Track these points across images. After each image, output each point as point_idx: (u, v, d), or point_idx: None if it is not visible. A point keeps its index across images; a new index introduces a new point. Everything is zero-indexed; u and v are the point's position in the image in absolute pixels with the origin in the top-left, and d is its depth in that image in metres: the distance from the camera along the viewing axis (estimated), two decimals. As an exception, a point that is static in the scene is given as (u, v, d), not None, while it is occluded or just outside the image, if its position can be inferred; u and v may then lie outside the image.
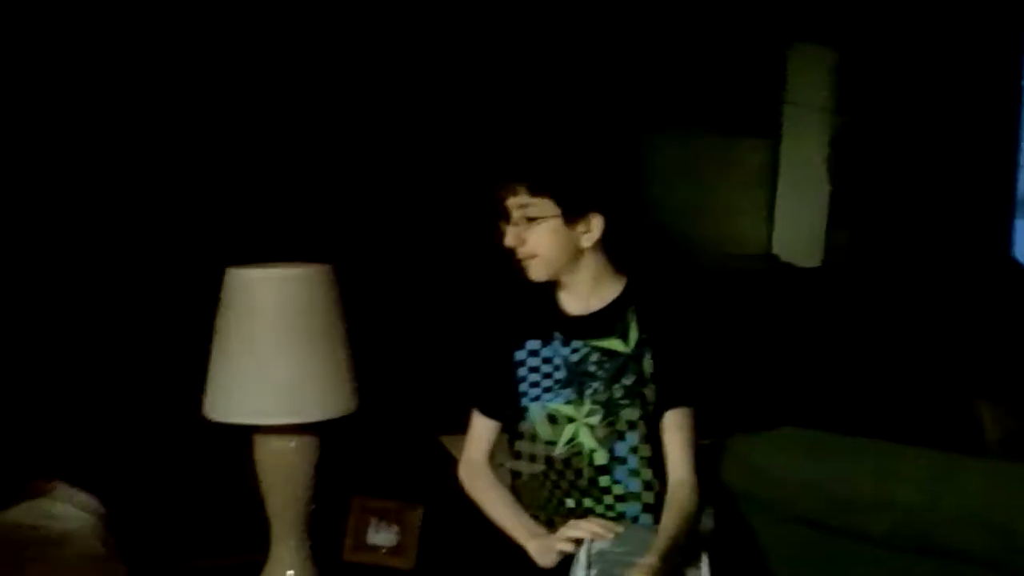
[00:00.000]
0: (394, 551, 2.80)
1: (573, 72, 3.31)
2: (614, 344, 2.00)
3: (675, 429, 1.96)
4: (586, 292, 2.02)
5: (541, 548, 1.90)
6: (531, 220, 1.94)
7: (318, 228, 2.99)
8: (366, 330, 2.79)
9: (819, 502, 1.89)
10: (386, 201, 3.11)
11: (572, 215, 1.94)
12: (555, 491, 2.00)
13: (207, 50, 2.91)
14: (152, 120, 2.88)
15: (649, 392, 1.98)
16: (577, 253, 1.98)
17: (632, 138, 3.43)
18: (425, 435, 3.01)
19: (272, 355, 2.53)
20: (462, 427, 3.03)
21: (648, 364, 1.98)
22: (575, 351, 2.00)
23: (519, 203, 1.94)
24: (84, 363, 2.83)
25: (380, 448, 3.04)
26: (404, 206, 3.14)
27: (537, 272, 1.99)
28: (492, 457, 2.17)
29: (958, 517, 1.72)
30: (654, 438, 1.99)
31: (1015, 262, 3.90)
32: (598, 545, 1.79)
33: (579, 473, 1.98)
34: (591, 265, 2.00)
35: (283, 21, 2.99)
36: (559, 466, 2.00)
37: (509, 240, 1.97)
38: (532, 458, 2.04)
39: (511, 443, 2.12)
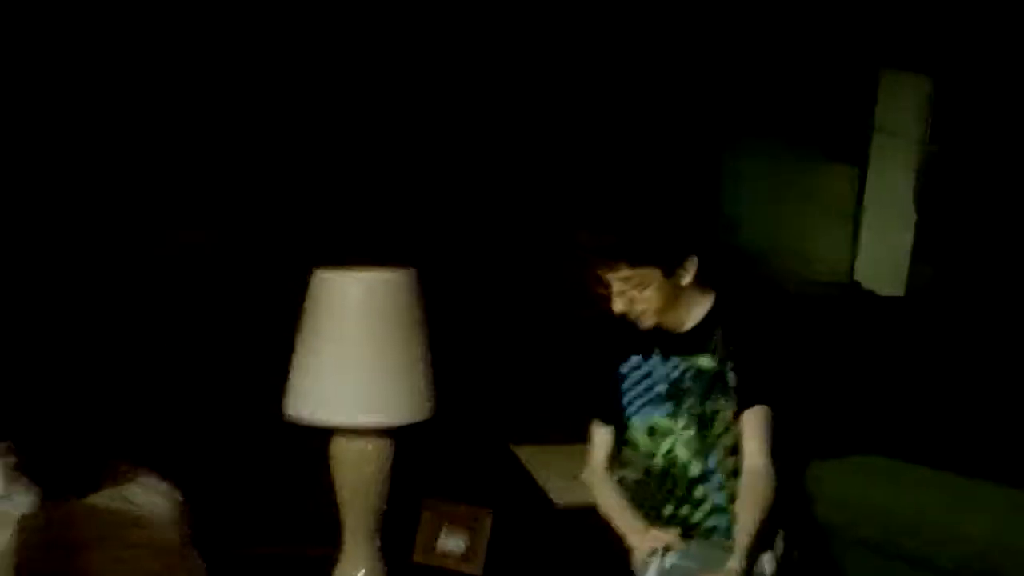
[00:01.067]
0: (463, 557, 2.84)
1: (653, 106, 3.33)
2: (705, 361, 2.09)
3: (751, 425, 2.03)
4: (683, 314, 2.10)
5: (637, 540, 2.02)
6: (631, 285, 2.04)
7: (403, 232, 3.05)
8: (445, 336, 2.85)
9: (890, 529, 1.88)
10: (472, 209, 3.16)
11: (672, 269, 2.04)
12: (654, 499, 2.10)
13: (301, 54, 2.99)
14: (242, 121, 2.97)
15: (733, 404, 2.06)
16: (678, 292, 2.07)
17: (712, 158, 3.43)
18: (497, 443, 3.05)
19: (353, 358, 2.59)
20: (534, 437, 3.08)
21: (731, 378, 2.06)
22: (675, 367, 2.10)
23: (621, 276, 2.03)
24: (175, 357, 2.92)
25: (453, 454, 3.08)
26: (489, 216, 3.18)
27: (649, 322, 2.09)
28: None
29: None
30: (735, 449, 2.07)
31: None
32: (670, 560, 1.84)
33: (676, 483, 2.09)
34: (687, 293, 2.10)
35: (390, 30, 3.06)
36: (657, 476, 2.11)
37: (619, 307, 2.06)
38: (628, 464, 2.17)
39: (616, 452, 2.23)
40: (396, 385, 2.61)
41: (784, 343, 2.11)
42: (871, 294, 3.73)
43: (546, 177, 3.24)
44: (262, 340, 2.93)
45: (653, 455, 2.11)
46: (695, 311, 2.11)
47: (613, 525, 2.12)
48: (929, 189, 3.68)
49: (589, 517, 2.28)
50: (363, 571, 2.72)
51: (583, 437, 2.36)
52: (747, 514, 1.94)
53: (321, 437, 2.69)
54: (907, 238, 3.73)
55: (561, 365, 3.17)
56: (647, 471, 2.12)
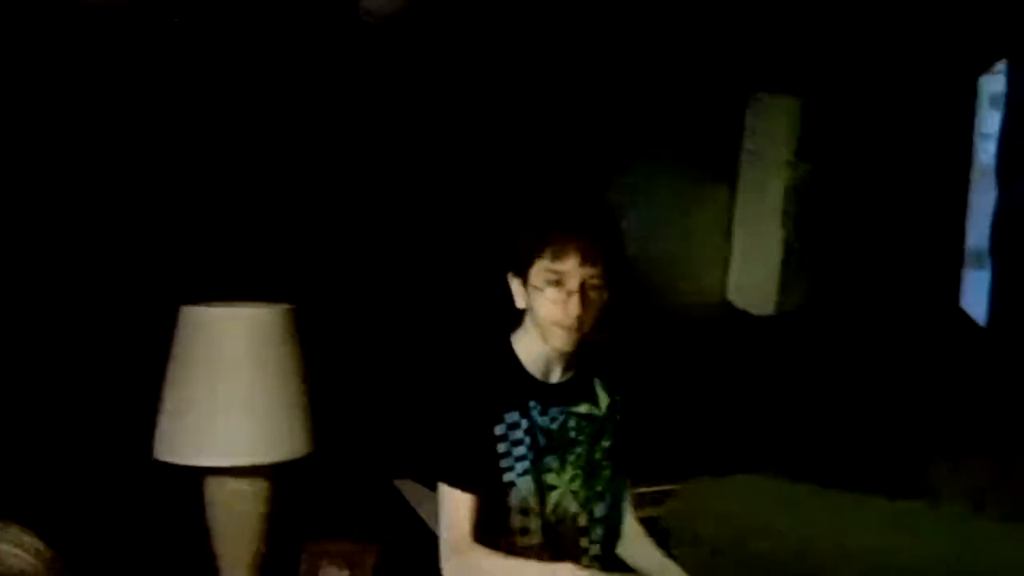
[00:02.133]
0: (346, 596, 2.76)
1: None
2: (589, 409, 2.01)
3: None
4: (566, 359, 1.98)
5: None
6: (591, 290, 1.87)
7: (277, 267, 2.96)
8: (322, 372, 2.78)
9: (775, 548, 1.89)
10: (352, 242, 3.09)
11: (614, 282, 1.91)
12: (551, 558, 1.94)
13: (160, 81, 2.89)
14: (104, 142, 2.82)
15: (622, 452, 2.02)
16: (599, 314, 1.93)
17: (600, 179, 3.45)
18: (380, 478, 2.99)
19: (228, 396, 2.50)
20: (416, 472, 3.03)
21: (620, 427, 2.02)
22: (553, 419, 1.98)
23: (589, 274, 1.86)
24: (31, 401, 2.76)
25: (335, 491, 3.00)
26: (370, 249, 3.12)
27: (572, 343, 1.91)
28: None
29: (914, 562, 1.73)
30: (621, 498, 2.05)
31: (963, 312, 3.97)
32: None
33: (565, 538, 1.99)
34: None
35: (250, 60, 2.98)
36: (546, 535, 1.97)
37: (573, 310, 1.85)
38: (525, 532, 1.98)
39: (500, 520, 2.00)
40: (272, 423, 2.53)
41: (667, 395, 2.09)
42: (744, 313, 3.80)
43: (426, 210, 3.20)
44: (127, 380, 2.80)
45: (541, 514, 1.96)
46: (572, 360, 1.99)
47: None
48: (798, 208, 3.77)
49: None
50: (242, 618, 2.62)
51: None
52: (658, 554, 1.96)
53: (195, 479, 2.59)
54: (777, 257, 3.81)
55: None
56: (543, 530, 1.97)
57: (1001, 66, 4.01)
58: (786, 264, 3.74)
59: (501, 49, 3.25)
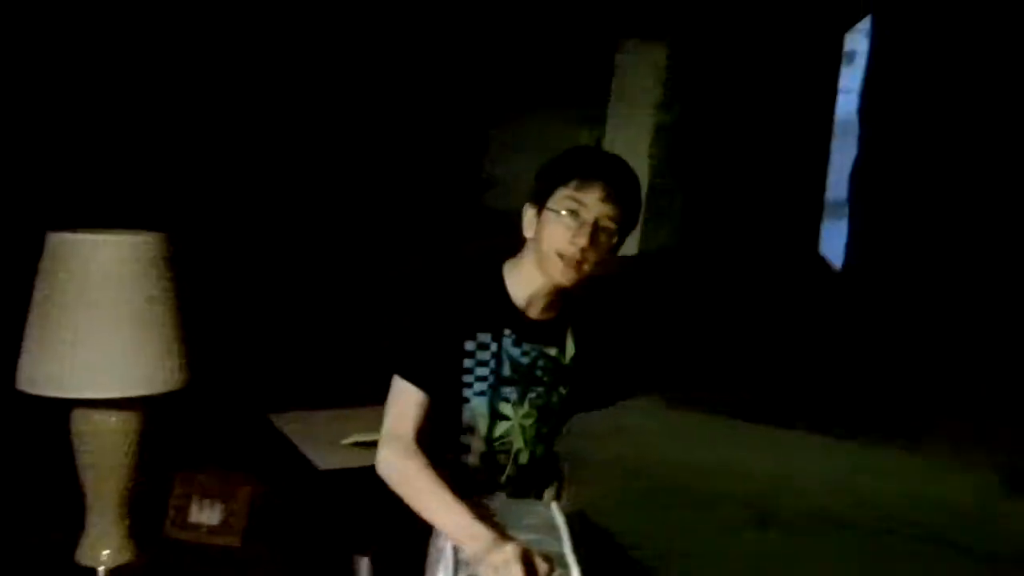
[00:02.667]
0: (218, 529, 2.73)
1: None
2: (557, 354, 2.06)
3: None
4: (557, 299, 2.03)
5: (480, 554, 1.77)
6: (603, 230, 1.93)
7: (152, 195, 2.87)
8: (197, 303, 2.72)
9: (671, 470, 1.95)
10: (227, 169, 3.02)
11: (624, 234, 1.98)
12: (474, 484, 2.00)
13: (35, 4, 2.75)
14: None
15: (572, 404, 2.08)
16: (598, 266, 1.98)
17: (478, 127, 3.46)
18: (255, 412, 2.96)
19: (95, 326, 2.43)
20: (292, 404, 3.02)
21: (577, 379, 2.08)
22: (525, 353, 2.02)
23: (606, 212, 1.91)
24: None
25: (210, 425, 2.96)
26: (245, 176, 3.06)
27: (574, 277, 1.96)
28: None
29: (808, 483, 1.82)
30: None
31: (822, 259, 4.17)
32: (465, 553, 1.76)
33: (501, 470, 2.04)
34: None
35: None
36: (479, 462, 2.03)
37: (581, 240, 1.90)
38: (465, 450, 2.03)
39: (448, 432, 2.04)
40: (141, 354, 2.46)
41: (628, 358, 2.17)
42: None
43: (305, 140, 3.15)
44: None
45: (486, 438, 2.01)
46: (558, 303, 2.04)
47: (427, 508, 1.87)
48: (663, 154, 3.86)
49: (352, 479, 2.24)
50: (107, 552, 2.57)
51: (343, 403, 2.29)
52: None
53: (61, 410, 2.52)
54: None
55: (316, 332, 3.14)
56: (481, 456, 2.02)
57: (864, 24, 4.16)
58: (650, 206, 3.83)
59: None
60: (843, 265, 4.12)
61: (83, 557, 2.57)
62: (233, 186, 3.03)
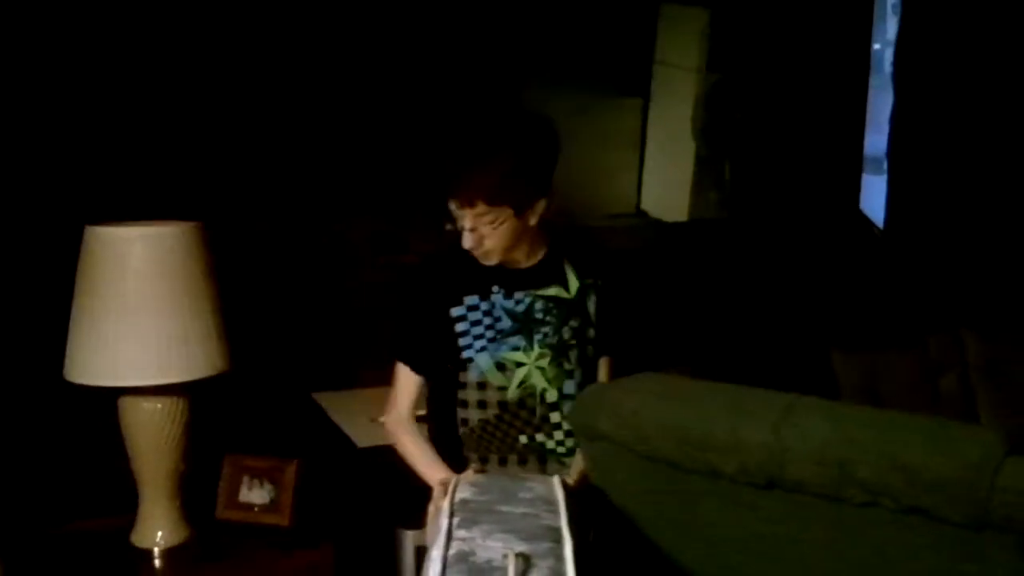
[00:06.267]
0: (268, 508, 2.81)
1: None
2: (558, 292, 2.15)
3: (602, 372, 2.23)
4: (526, 252, 2.14)
5: (435, 478, 2.05)
6: (484, 225, 2.02)
7: (187, 185, 2.93)
8: (238, 289, 2.78)
9: (675, 442, 1.96)
10: (262, 158, 3.07)
11: (525, 210, 2.05)
12: (509, 431, 2.15)
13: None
14: (10, 68, 2.77)
15: (592, 332, 2.18)
16: (525, 231, 2.09)
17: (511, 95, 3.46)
18: (299, 392, 3.02)
19: (137, 315, 2.50)
20: (335, 384, 3.07)
21: (592, 305, 2.17)
22: (518, 302, 2.12)
23: (476, 213, 2.01)
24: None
25: (254, 407, 3.03)
26: (280, 164, 3.10)
27: (492, 260, 2.09)
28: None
29: (800, 454, 1.82)
30: (593, 376, 2.21)
31: (862, 215, 4.10)
32: (461, 494, 1.79)
33: (532, 412, 2.15)
34: (531, 233, 2.12)
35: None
36: (513, 408, 2.15)
37: (468, 243, 2.04)
38: (482, 404, 2.15)
39: (455, 394, 2.19)
40: (184, 341, 2.53)
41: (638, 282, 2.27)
42: (657, 222, 3.87)
43: (339, 126, 3.18)
44: (37, 302, 2.78)
45: (506, 388, 2.13)
46: (537, 249, 2.15)
47: (416, 471, 2.15)
48: (709, 117, 3.82)
49: (391, 456, 2.29)
50: (161, 533, 2.65)
51: (382, 381, 2.34)
52: None
53: (110, 400, 2.60)
54: (689, 166, 3.87)
55: (351, 314, 3.19)
56: (501, 404, 2.14)
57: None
58: (698, 171, 3.81)
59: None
60: (884, 221, 4.06)
61: (138, 539, 2.66)
62: (270, 171, 3.07)
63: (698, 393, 2.07)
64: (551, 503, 1.76)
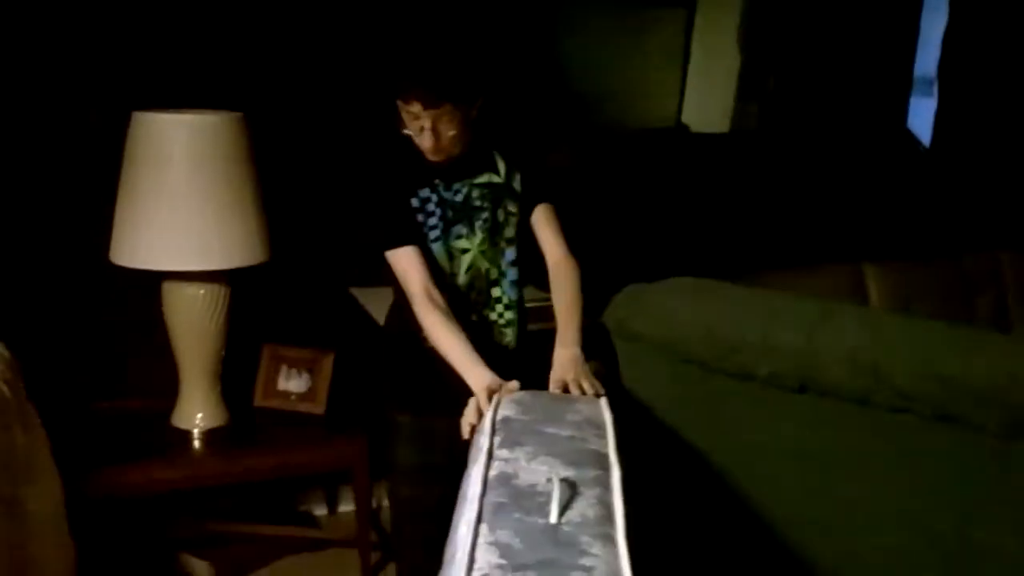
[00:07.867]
0: (304, 397, 2.87)
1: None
2: (490, 178, 2.21)
3: (544, 221, 2.23)
4: (464, 144, 2.18)
5: (476, 381, 1.97)
6: (442, 124, 2.07)
7: (231, 76, 2.94)
8: (279, 181, 2.80)
9: (709, 343, 1.98)
10: (301, 51, 3.06)
11: (475, 104, 2.13)
12: (462, 312, 2.18)
13: None
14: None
15: (521, 208, 2.24)
16: (470, 126, 2.15)
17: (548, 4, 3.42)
18: (336, 286, 3.06)
19: (182, 201, 2.54)
20: (372, 279, 3.09)
21: (518, 183, 2.23)
22: (457, 192, 2.19)
23: (435, 114, 2.05)
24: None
25: (293, 298, 3.08)
26: (321, 58, 3.09)
27: (442, 156, 2.13)
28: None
29: (833, 358, 1.83)
30: (525, 247, 2.25)
31: (909, 134, 4.05)
32: (504, 411, 1.75)
33: (480, 292, 2.23)
34: (469, 127, 2.17)
35: None
36: (464, 291, 2.22)
37: (428, 143, 2.08)
38: (444, 290, 2.18)
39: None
40: (226, 229, 2.58)
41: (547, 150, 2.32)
42: (698, 136, 3.84)
43: (371, 21, 3.15)
44: (81, 185, 2.82)
45: (456, 275, 2.21)
46: (467, 141, 2.19)
47: (456, 369, 2.04)
48: (753, 31, 3.77)
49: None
50: (200, 415, 2.73)
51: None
52: (567, 294, 2.14)
53: (153, 283, 2.65)
54: (732, 79, 3.82)
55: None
56: (454, 289, 2.20)
57: None
58: (742, 83, 3.77)
59: None
60: (931, 142, 4.01)
61: (178, 420, 2.74)
62: (314, 65, 3.06)
63: (734, 296, 2.09)
64: (599, 427, 1.68)
